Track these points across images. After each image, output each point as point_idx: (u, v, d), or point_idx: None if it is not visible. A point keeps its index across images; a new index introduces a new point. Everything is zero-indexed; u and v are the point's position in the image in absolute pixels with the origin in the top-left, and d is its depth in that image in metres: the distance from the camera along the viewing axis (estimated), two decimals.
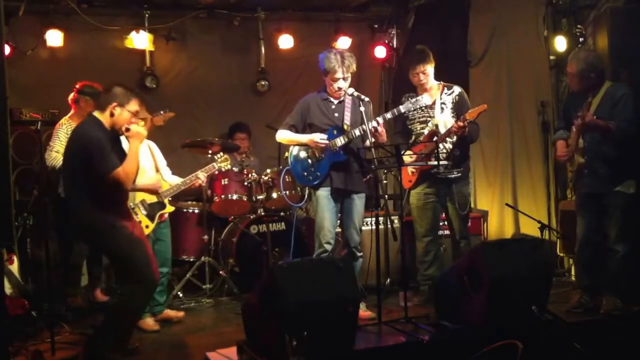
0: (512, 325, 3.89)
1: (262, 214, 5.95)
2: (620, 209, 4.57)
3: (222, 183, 5.81)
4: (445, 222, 5.42)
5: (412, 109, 4.75)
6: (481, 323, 4.00)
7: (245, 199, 5.87)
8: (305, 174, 4.79)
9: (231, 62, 7.17)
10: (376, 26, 7.51)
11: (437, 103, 5.02)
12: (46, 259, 4.62)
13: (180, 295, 5.67)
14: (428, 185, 5.09)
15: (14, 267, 4.89)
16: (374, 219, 4.94)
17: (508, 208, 6.33)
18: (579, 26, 6.12)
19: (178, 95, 6.84)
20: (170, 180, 5.12)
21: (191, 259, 5.87)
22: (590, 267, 4.75)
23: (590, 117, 4.43)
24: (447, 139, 4.95)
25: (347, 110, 4.77)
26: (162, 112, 5.25)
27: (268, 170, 5.95)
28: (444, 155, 4.91)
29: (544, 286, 4.22)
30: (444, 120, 4.96)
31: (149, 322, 4.81)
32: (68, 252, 5.43)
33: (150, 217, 4.81)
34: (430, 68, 5.02)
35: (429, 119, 5.02)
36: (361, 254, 4.84)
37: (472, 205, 6.33)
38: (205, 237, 5.79)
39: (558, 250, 6.04)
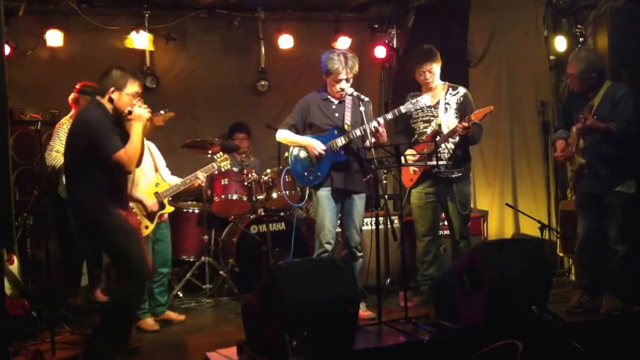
0: (512, 325, 3.89)
1: (262, 214, 5.95)
2: (620, 209, 4.57)
3: (222, 183, 5.81)
4: (446, 222, 5.43)
5: (413, 109, 4.75)
6: (481, 323, 4.00)
7: (245, 199, 5.87)
8: (306, 174, 4.79)
9: (231, 62, 7.17)
10: (376, 26, 7.52)
11: (441, 103, 5.02)
12: (46, 259, 4.62)
13: (180, 295, 5.68)
14: (429, 184, 5.09)
15: (14, 267, 4.89)
16: (374, 219, 4.94)
17: (508, 208, 6.34)
18: (579, 26, 6.12)
19: (178, 95, 6.84)
20: (170, 181, 5.12)
21: (191, 259, 5.87)
22: (590, 267, 4.75)
23: (592, 121, 4.43)
24: (450, 139, 4.95)
25: (347, 110, 4.77)
26: (162, 112, 5.23)
27: (268, 170, 5.95)
28: (446, 155, 4.92)
29: (544, 286, 4.21)
30: (447, 120, 4.95)
31: (149, 322, 4.82)
32: (68, 252, 5.44)
33: (150, 217, 4.80)
34: (436, 67, 5.02)
35: (432, 118, 5.03)
36: (361, 254, 4.84)
37: (472, 205, 6.32)
38: (205, 237, 5.79)
39: (558, 250, 6.04)
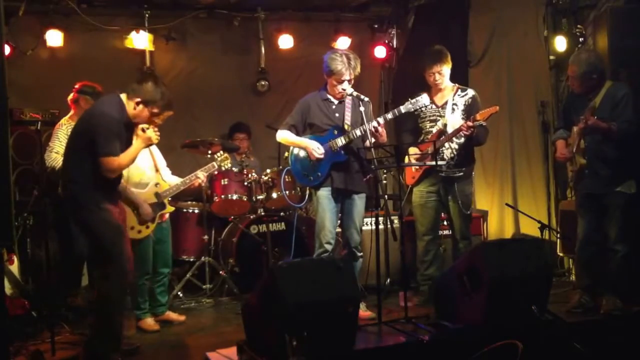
0: (512, 325, 3.89)
1: (262, 214, 5.95)
2: (620, 209, 4.57)
3: (222, 183, 5.81)
4: (446, 222, 5.43)
5: (412, 109, 4.76)
6: (481, 323, 4.00)
7: (245, 199, 5.86)
8: (306, 173, 4.79)
9: (231, 62, 7.17)
10: (376, 26, 7.52)
11: (449, 103, 5.04)
12: (46, 259, 4.62)
13: (181, 295, 5.68)
14: (431, 183, 5.10)
15: (14, 267, 4.89)
16: (374, 219, 4.94)
17: (508, 208, 6.33)
18: (579, 26, 6.12)
19: (178, 95, 6.74)
20: (170, 181, 5.11)
21: (191, 259, 5.87)
22: (590, 267, 4.75)
23: (593, 120, 4.43)
24: (454, 139, 4.96)
25: (347, 110, 4.78)
26: None
27: (268, 170, 5.94)
28: (449, 154, 4.94)
29: (544, 286, 4.22)
30: (453, 120, 4.97)
31: (149, 322, 4.82)
32: (68, 252, 5.43)
33: (150, 219, 4.80)
34: (446, 69, 5.03)
35: (439, 118, 5.04)
36: (361, 254, 4.85)
37: (472, 206, 6.32)
38: (205, 237, 5.80)
39: (558, 250, 6.04)
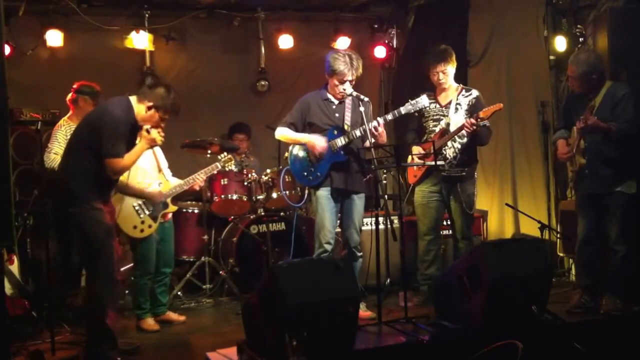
0: (512, 325, 3.89)
1: (262, 214, 5.95)
2: (621, 209, 4.57)
3: (222, 183, 5.81)
4: (447, 222, 5.43)
5: (412, 110, 4.76)
6: (481, 323, 4.00)
7: (245, 199, 5.87)
8: (305, 173, 4.79)
9: (231, 62, 7.17)
10: (376, 26, 7.52)
11: (452, 103, 5.04)
12: (46, 259, 4.61)
13: (181, 295, 5.68)
14: (433, 183, 5.10)
15: (14, 267, 4.89)
16: (373, 219, 4.94)
17: (508, 208, 6.33)
18: (579, 26, 6.12)
19: (178, 95, 6.80)
20: (172, 182, 5.11)
21: (191, 259, 5.87)
22: (590, 267, 4.76)
23: (593, 120, 4.43)
24: (457, 139, 4.96)
25: (347, 110, 4.78)
26: None
27: (268, 170, 5.95)
28: (452, 154, 4.94)
29: (544, 286, 4.22)
30: (456, 120, 4.97)
31: (149, 322, 4.82)
32: (68, 253, 5.42)
33: (153, 217, 4.80)
34: (450, 68, 5.04)
35: (442, 117, 5.05)
36: (361, 254, 4.85)
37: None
38: (205, 237, 5.80)
39: (558, 250, 6.04)
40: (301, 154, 4.81)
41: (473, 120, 4.77)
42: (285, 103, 6.67)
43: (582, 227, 4.76)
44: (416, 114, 5.02)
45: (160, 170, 5.07)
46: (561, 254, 6.07)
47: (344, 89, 4.68)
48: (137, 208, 4.73)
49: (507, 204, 6.22)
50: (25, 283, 5.06)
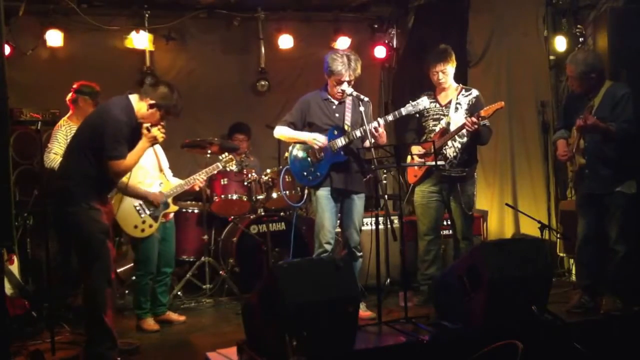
0: (512, 325, 3.89)
1: (262, 214, 5.95)
2: (621, 209, 4.57)
3: (222, 183, 5.80)
4: (447, 222, 5.43)
5: (413, 111, 4.76)
6: (481, 323, 4.00)
7: (245, 199, 5.86)
8: (305, 173, 4.79)
9: (231, 62, 7.17)
10: (376, 26, 7.52)
11: (452, 102, 5.05)
12: (46, 259, 4.61)
13: (181, 295, 5.68)
14: (433, 183, 5.11)
15: (14, 267, 4.88)
16: (373, 219, 4.94)
17: (508, 208, 6.33)
18: (579, 26, 6.13)
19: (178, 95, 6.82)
20: (172, 182, 5.12)
21: (191, 259, 5.87)
22: (590, 267, 4.76)
23: (592, 120, 4.43)
24: (458, 138, 4.96)
25: (347, 110, 4.78)
26: None
27: (268, 170, 5.95)
28: (452, 153, 4.94)
29: (544, 286, 4.22)
30: (456, 119, 4.98)
31: (149, 322, 4.82)
32: (68, 252, 5.43)
33: (154, 217, 4.81)
34: (450, 68, 5.04)
35: (442, 117, 5.05)
36: (361, 254, 4.85)
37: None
38: (205, 237, 5.80)
39: (558, 250, 6.04)
40: (301, 154, 4.81)
41: (474, 119, 4.77)
42: (285, 103, 6.68)
43: (582, 227, 4.76)
44: (417, 115, 5.03)
45: (161, 170, 5.07)
46: (561, 254, 6.07)
47: (342, 90, 4.68)
48: (137, 208, 4.74)
49: (507, 204, 6.22)
50: (25, 283, 5.05)
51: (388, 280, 5.52)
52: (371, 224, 5.28)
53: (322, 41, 7.00)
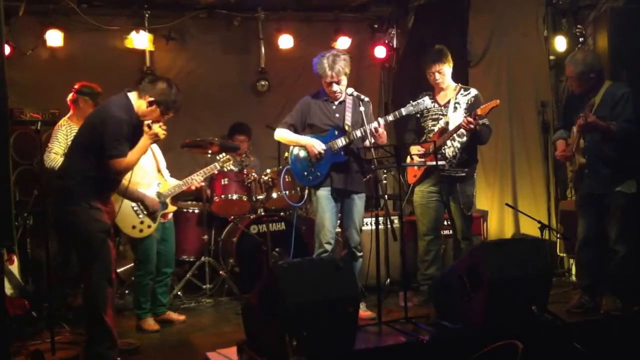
0: (512, 325, 3.89)
1: (262, 214, 5.95)
2: (621, 209, 4.57)
3: (222, 183, 5.80)
4: (447, 222, 5.43)
5: (414, 111, 4.77)
6: (481, 323, 4.00)
7: (245, 199, 5.86)
8: (306, 173, 4.79)
9: (231, 62, 7.17)
10: (376, 26, 7.52)
11: (451, 102, 5.06)
12: (46, 259, 4.62)
13: (181, 295, 5.68)
14: (432, 183, 5.11)
15: (14, 267, 4.89)
16: (374, 219, 4.94)
17: (508, 208, 6.33)
18: (579, 26, 6.13)
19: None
20: (170, 182, 5.11)
21: (191, 259, 5.87)
22: (590, 267, 4.76)
23: (592, 119, 4.43)
24: (457, 138, 4.96)
25: (347, 110, 4.78)
26: None
27: (268, 170, 5.94)
28: (451, 153, 4.94)
29: (544, 286, 4.22)
30: (455, 119, 4.98)
31: (149, 322, 4.82)
32: (68, 252, 5.43)
33: (153, 217, 4.80)
34: (446, 68, 5.05)
35: (441, 117, 5.05)
36: (361, 254, 4.85)
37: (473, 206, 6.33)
38: (205, 237, 5.80)
39: (558, 250, 6.04)
40: (302, 154, 4.81)
41: (470, 119, 4.77)
42: (285, 103, 6.69)
43: (582, 227, 4.76)
44: (417, 115, 5.03)
45: (159, 170, 5.07)
46: (561, 254, 6.07)
47: (334, 90, 4.68)
48: (135, 208, 4.73)
49: (507, 204, 6.22)
50: (25, 283, 5.06)
51: (388, 280, 5.52)
52: (371, 224, 5.28)
53: (322, 41, 7.00)
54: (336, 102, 4.80)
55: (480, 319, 4.01)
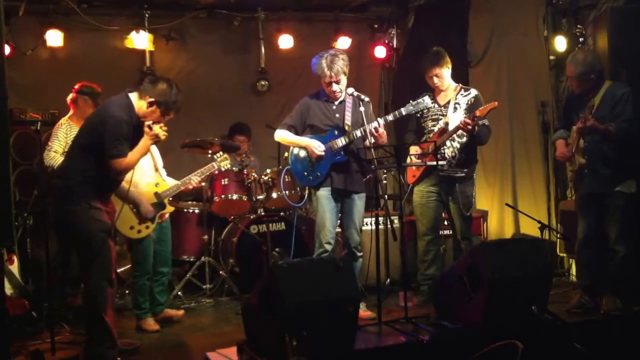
0: (512, 325, 3.89)
1: (262, 214, 5.95)
2: (620, 209, 4.57)
3: (222, 183, 5.81)
4: (447, 222, 5.43)
5: (414, 111, 4.77)
6: (481, 323, 4.01)
7: (245, 199, 5.87)
8: (306, 173, 4.79)
9: (231, 62, 7.17)
10: (376, 26, 7.52)
11: (451, 103, 5.06)
12: (46, 259, 4.62)
13: (180, 295, 5.68)
14: (431, 183, 5.11)
15: (14, 267, 4.89)
16: (374, 219, 4.94)
17: (508, 208, 6.33)
18: (579, 26, 6.12)
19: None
20: (167, 181, 5.11)
21: (191, 259, 5.87)
22: (590, 267, 4.76)
23: (591, 122, 4.43)
24: (457, 138, 4.96)
25: (347, 110, 4.78)
26: None
27: (268, 170, 5.94)
28: (450, 153, 4.94)
29: (544, 286, 4.22)
30: (455, 119, 4.98)
31: (149, 322, 4.82)
32: (68, 252, 5.43)
33: (151, 218, 4.80)
34: (445, 71, 5.05)
35: (441, 117, 5.05)
36: (361, 254, 4.85)
37: (472, 206, 6.33)
38: (205, 237, 5.80)
39: (558, 250, 6.04)
40: (302, 154, 4.81)
41: (468, 120, 4.77)
42: (285, 103, 6.69)
43: (582, 227, 4.76)
44: (417, 115, 5.03)
45: (156, 169, 5.07)
46: (561, 254, 6.07)
47: (333, 90, 4.69)
48: (133, 209, 4.73)
49: (507, 204, 6.22)
50: (25, 283, 5.06)
51: (388, 280, 5.52)
52: (371, 224, 5.28)
53: (322, 41, 7.00)
54: (336, 102, 4.80)
55: (480, 319, 4.01)
